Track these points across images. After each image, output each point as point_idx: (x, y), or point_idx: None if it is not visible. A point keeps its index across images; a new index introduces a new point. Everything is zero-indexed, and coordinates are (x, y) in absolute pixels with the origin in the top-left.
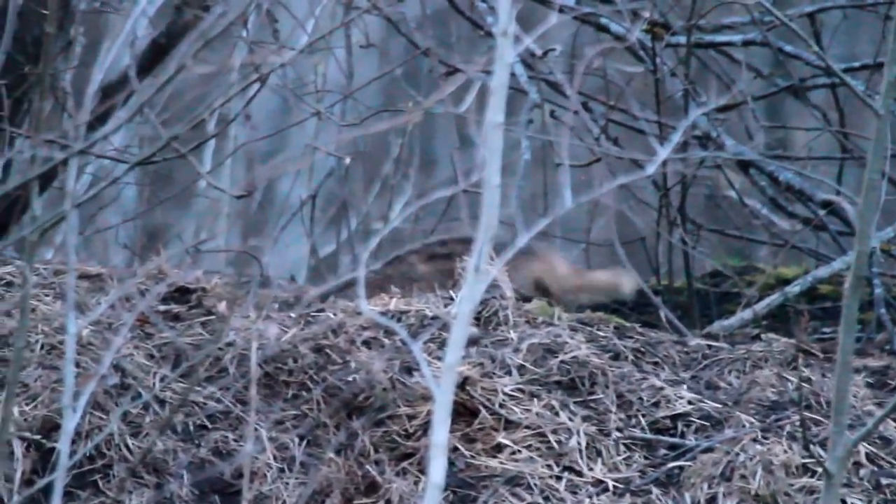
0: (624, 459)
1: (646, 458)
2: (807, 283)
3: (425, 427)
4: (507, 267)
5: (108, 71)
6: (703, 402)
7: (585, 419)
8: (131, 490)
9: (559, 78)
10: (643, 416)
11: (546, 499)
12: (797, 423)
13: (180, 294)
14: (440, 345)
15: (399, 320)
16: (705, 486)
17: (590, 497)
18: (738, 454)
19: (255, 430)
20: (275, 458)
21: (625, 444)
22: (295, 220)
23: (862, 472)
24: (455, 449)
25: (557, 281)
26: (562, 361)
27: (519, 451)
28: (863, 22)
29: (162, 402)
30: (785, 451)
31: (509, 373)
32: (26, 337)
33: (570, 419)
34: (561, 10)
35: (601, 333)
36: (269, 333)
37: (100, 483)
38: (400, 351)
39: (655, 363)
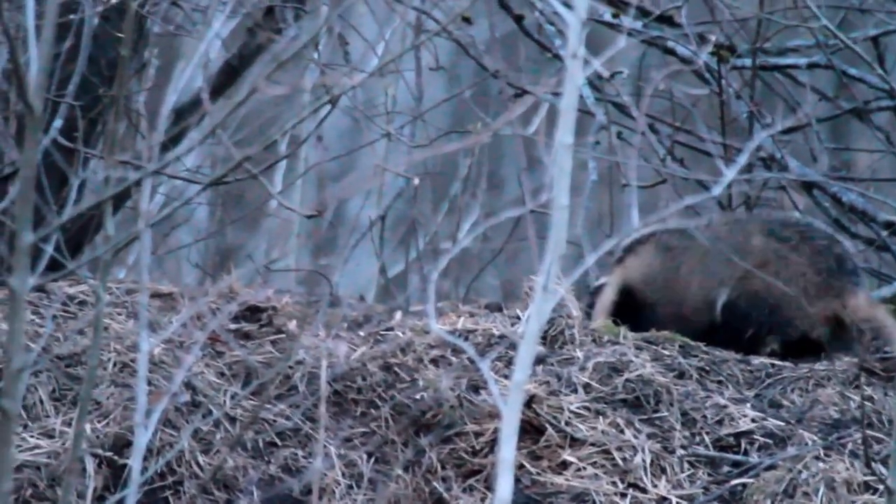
0: (688, 476)
1: (709, 475)
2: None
3: (492, 444)
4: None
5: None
6: (767, 420)
7: (650, 437)
8: None
9: (626, 100)
10: (707, 433)
11: None
12: (859, 441)
13: (251, 313)
14: (507, 363)
15: (467, 339)
16: (768, 503)
17: None
18: (800, 472)
19: (325, 447)
20: (343, 474)
21: (689, 462)
22: (364, 240)
23: None
24: (521, 466)
25: (853, 315)
26: (627, 380)
27: (584, 468)
28: None
29: (232, 420)
30: (847, 469)
31: (575, 391)
32: (99, 355)
33: (635, 437)
34: (629, 34)
35: (666, 352)
36: (339, 352)
37: (171, 500)
38: (467, 369)
39: (719, 381)
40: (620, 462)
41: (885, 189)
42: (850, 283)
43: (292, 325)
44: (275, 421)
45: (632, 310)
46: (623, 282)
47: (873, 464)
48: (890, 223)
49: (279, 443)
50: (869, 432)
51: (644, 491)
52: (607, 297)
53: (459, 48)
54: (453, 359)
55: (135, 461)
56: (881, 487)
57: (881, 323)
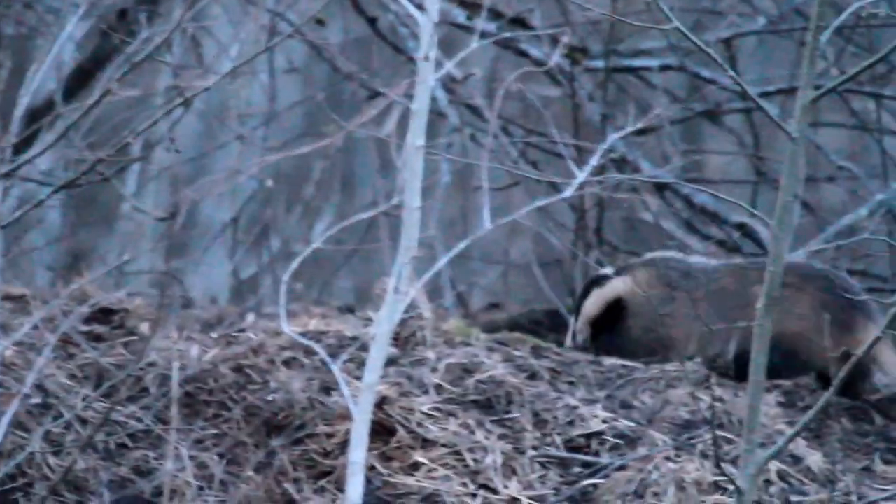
0: (539, 477)
1: (560, 475)
2: None
3: (344, 446)
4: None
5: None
6: (617, 421)
7: (501, 437)
8: None
9: (479, 102)
10: (558, 434)
11: None
12: (709, 442)
13: (103, 315)
14: (359, 365)
15: (319, 341)
16: (619, 503)
17: None
18: (651, 472)
19: (176, 448)
20: (195, 476)
21: (540, 463)
22: (217, 243)
23: (772, 489)
24: (372, 467)
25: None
26: (478, 381)
27: (435, 469)
28: (777, 47)
29: (84, 421)
30: (697, 469)
31: (427, 392)
32: None
33: (486, 438)
34: (482, 36)
35: (518, 353)
36: (191, 354)
37: (21, 502)
38: (319, 371)
39: (571, 382)
40: (471, 463)
41: (737, 190)
42: (860, 317)
43: (144, 327)
44: (126, 422)
45: (611, 324)
46: (615, 297)
47: (723, 464)
48: (741, 225)
49: (130, 444)
50: (719, 433)
51: (495, 492)
52: (595, 307)
53: (313, 50)
54: (305, 360)
55: None
56: (731, 488)
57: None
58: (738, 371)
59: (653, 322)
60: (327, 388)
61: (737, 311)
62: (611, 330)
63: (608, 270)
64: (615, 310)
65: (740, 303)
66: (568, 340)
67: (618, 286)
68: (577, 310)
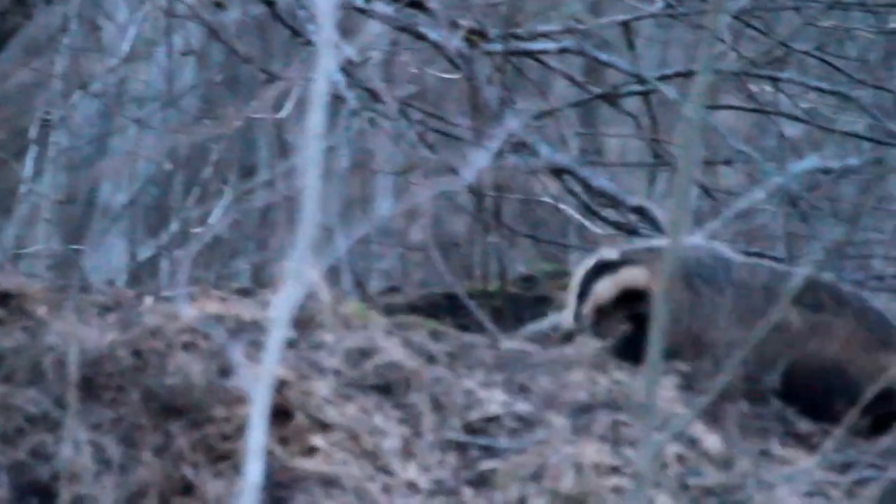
0: (437, 461)
1: (459, 459)
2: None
3: (242, 430)
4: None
5: None
6: (516, 404)
7: (400, 421)
8: None
9: (377, 85)
10: (457, 418)
11: (360, 500)
12: (608, 425)
13: (0, 298)
14: (258, 348)
15: (217, 324)
16: (517, 486)
17: (403, 498)
18: (549, 455)
19: (74, 432)
20: (92, 460)
21: (438, 446)
22: (115, 225)
23: (670, 471)
24: (271, 451)
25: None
26: (377, 364)
27: (334, 453)
28: (675, 30)
29: None
30: (595, 452)
31: (325, 375)
32: None
33: (385, 421)
34: (380, 19)
35: (416, 337)
36: (88, 337)
37: None
38: (218, 354)
39: (469, 366)
40: (370, 447)
41: (635, 173)
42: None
43: (42, 310)
44: (24, 407)
45: (624, 314)
46: (632, 287)
47: (621, 447)
48: (639, 208)
49: (28, 428)
50: (617, 416)
51: (393, 475)
52: (608, 292)
53: (211, 33)
54: (204, 344)
55: None
56: (629, 470)
57: None
58: (784, 391)
59: (679, 319)
60: (226, 372)
61: (773, 338)
62: (624, 321)
63: (612, 255)
64: (629, 300)
65: (775, 329)
66: (568, 322)
67: (635, 275)
68: (582, 292)
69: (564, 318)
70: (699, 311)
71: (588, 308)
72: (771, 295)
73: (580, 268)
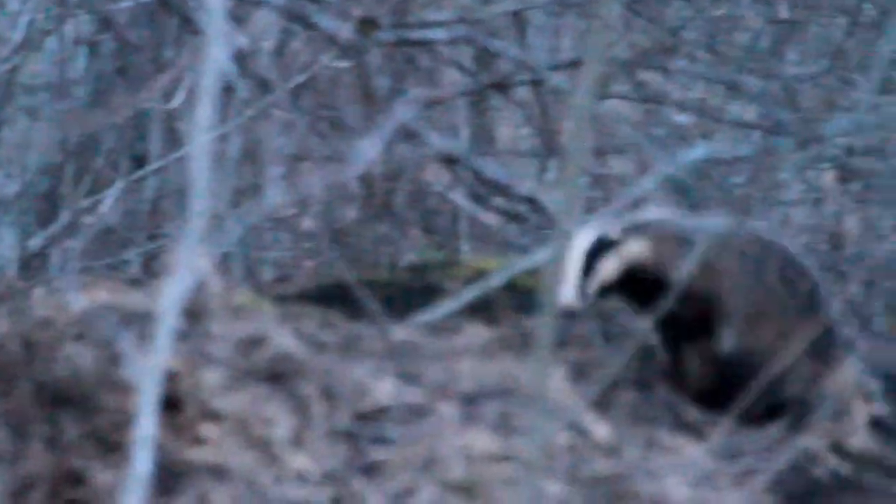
0: (328, 450)
1: (349, 448)
2: (508, 276)
3: (132, 420)
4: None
5: None
6: (406, 394)
7: (290, 411)
8: None
9: (268, 74)
10: (347, 407)
11: (250, 489)
12: (498, 414)
13: None
14: (148, 338)
15: (108, 314)
16: (407, 475)
17: (293, 487)
18: (439, 445)
19: None
20: None
21: (329, 436)
22: (5, 216)
23: (560, 461)
24: (160, 441)
25: (837, 386)
26: (267, 354)
27: (224, 442)
28: (566, 19)
29: None
30: (485, 441)
31: (215, 366)
32: None
33: (275, 411)
34: (270, 8)
35: (307, 326)
36: None
37: None
38: (108, 344)
39: (360, 355)
40: (260, 436)
41: (525, 162)
42: (843, 351)
43: None
44: None
45: (627, 292)
46: (636, 263)
47: (511, 435)
48: (529, 197)
49: None
50: (507, 404)
51: (284, 465)
52: (615, 271)
53: (103, 22)
54: (94, 334)
55: None
56: (519, 460)
57: (851, 407)
58: (726, 365)
59: (690, 296)
60: (116, 362)
61: (746, 291)
62: (626, 296)
63: (613, 228)
64: (633, 275)
65: (751, 282)
66: (572, 298)
67: (640, 250)
68: (586, 269)
69: (565, 295)
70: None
71: (594, 286)
72: (758, 248)
73: (578, 242)
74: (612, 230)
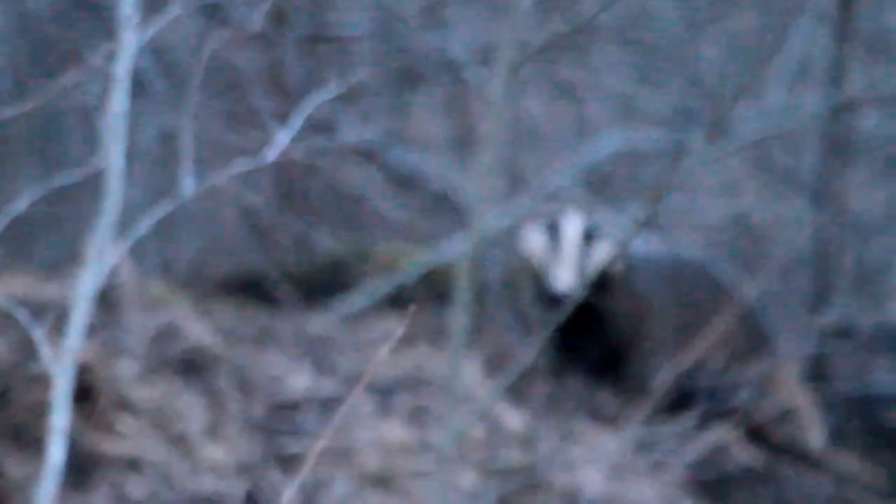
0: (242, 442)
1: (264, 440)
2: (423, 268)
3: (47, 411)
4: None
5: None
6: (321, 385)
7: (205, 403)
8: None
9: (182, 67)
10: (262, 398)
11: (164, 481)
12: (412, 405)
13: None
14: (61, 329)
15: (21, 304)
16: (322, 467)
17: (208, 479)
18: (354, 436)
19: None
20: None
21: (243, 427)
22: None
23: (474, 452)
24: (75, 432)
25: (776, 388)
26: (182, 346)
27: (139, 434)
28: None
29: None
30: (399, 432)
31: (130, 356)
32: None
33: (190, 403)
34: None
35: (222, 318)
36: None
37: None
38: (22, 335)
39: (275, 346)
40: (175, 428)
41: (442, 154)
42: (780, 355)
43: None
44: None
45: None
46: (615, 255)
47: (425, 426)
48: (445, 189)
49: None
50: (421, 395)
51: (198, 457)
52: (604, 260)
53: (18, 14)
54: (7, 325)
55: None
56: (433, 451)
57: (800, 410)
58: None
59: (634, 305)
60: (30, 353)
61: (676, 306)
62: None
63: (601, 220)
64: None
65: (681, 297)
66: (565, 286)
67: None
68: (581, 256)
69: (564, 280)
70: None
71: (588, 273)
72: (681, 267)
73: (567, 231)
74: (599, 221)
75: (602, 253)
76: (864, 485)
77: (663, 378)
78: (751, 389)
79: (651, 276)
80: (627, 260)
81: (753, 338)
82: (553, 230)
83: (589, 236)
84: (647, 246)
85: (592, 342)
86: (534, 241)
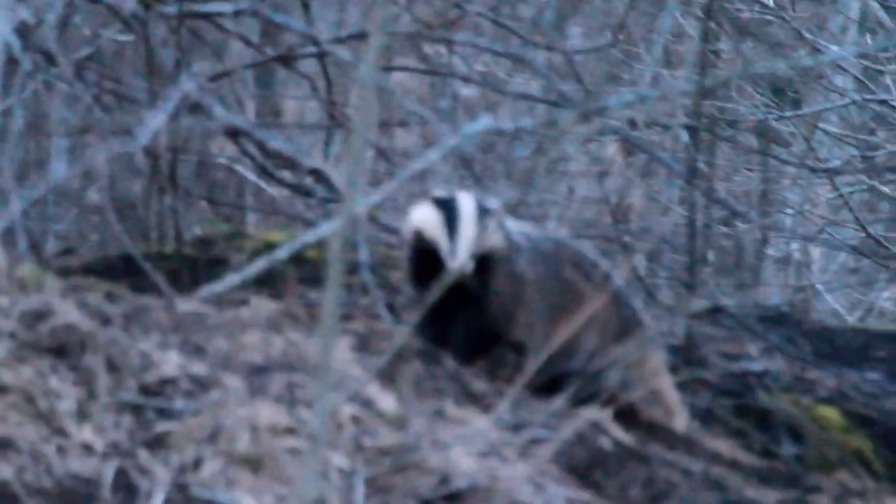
0: (113, 423)
1: (134, 421)
2: (294, 248)
3: None
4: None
5: None
6: (192, 366)
7: (75, 383)
8: None
9: (53, 48)
10: (132, 379)
11: (35, 462)
12: (283, 386)
13: None
14: None
15: None
16: (192, 447)
17: (78, 460)
18: (224, 416)
19: None
20: None
21: (114, 408)
22: None
23: (345, 433)
24: None
25: (644, 376)
26: (52, 326)
27: (8, 415)
28: None
29: None
30: (271, 413)
31: (0, 339)
32: None
33: (60, 383)
34: None
35: (91, 299)
36: None
37: None
38: None
39: (145, 328)
40: (45, 409)
41: (311, 135)
42: (650, 342)
43: None
44: None
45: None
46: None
47: (296, 408)
48: (315, 170)
49: None
50: (293, 377)
51: (69, 437)
52: (494, 239)
53: None
54: None
55: None
56: (304, 431)
57: (664, 393)
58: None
59: (509, 281)
60: None
61: (549, 287)
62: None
63: (491, 201)
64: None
65: (551, 278)
66: (462, 262)
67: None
68: (476, 233)
69: (460, 258)
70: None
71: (481, 249)
72: (553, 247)
73: (460, 208)
74: (489, 202)
75: (492, 231)
76: (734, 464)
77: (535, 359)
78: (621, 370)
79: (526, 256)
80: (508, 239)
81: (625, 319)
82: (446, 207)
83: (482, 214)
84: (521, 227)
85: (466, 322)
86: (426, 218)
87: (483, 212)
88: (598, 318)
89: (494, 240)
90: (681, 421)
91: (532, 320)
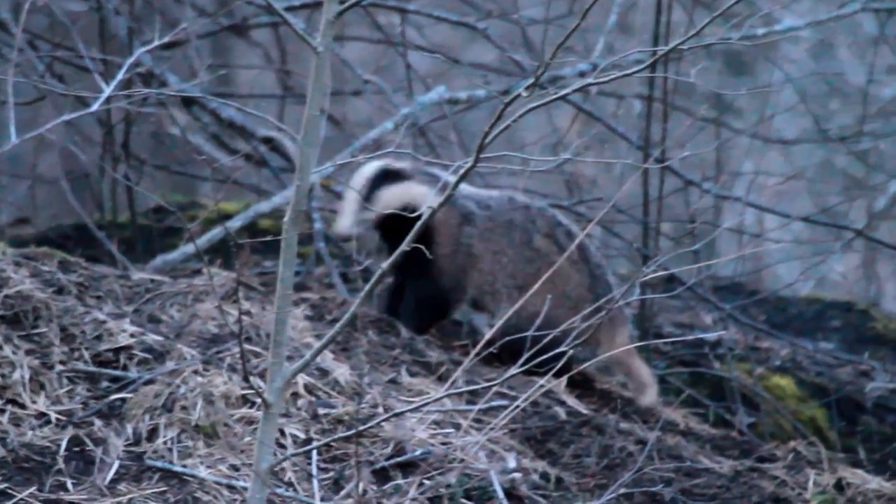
0: (67, 392)
1: (88, 390)
2: (248, 218)
3: None
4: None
5: None
6: (146, 336)
7: (29, 353)
8: None
9: (4, 16)
10: (86, 349)
11: None
12: (237, 355)
13: None
14: None
15: None
16: (147, 417)
17: (33, 429)
18: (179, 386)
19: None
20: None
21: (68, 377)
22: None
23: (300, 402)
24: None
25: (612, 349)
26: (6, 296)
27: None
28: None
29: None
30: (225, 383)
31: None
32: None
33: (14, 353)
34: None
35: (45, 268)
36: None
37: None
38: None
39: (99, 297)
40: None
41: (264, 104)
42: (621, 315)
43: None
44: None
45: (401, 229)
46: (412, 203)
47: (251, 377)
48: (269, 139)
49: None
50: (247, 346)
51: (23, 406)
52: (395, 201)
53: None
54: None
55: None
56: (259, 401)
57: (634, 368)
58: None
59: (457, 250)
60: None
61: (522, 258)
62: (399, 235)
63: (399, 165)
64: (404, 214)
65: (524, 248)
66: (346, 226)
67: (420, 193)
68: (367, 196)
69: (342, 222)
70: (467, 231)
71: (373, 213)
72: (525, 216)
73: (361, 172)
74: (397, 166)
75: (391, 195)
76: (688, 433)
77: (492, 326)
78: (580, 339)
79: (480, 226)
80: (458, 208)
81: (589, 287)
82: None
83: (377, 181)
84: (485, 195)
85: (415, 292)
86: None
87: (379, 179)
88: (569, 285)
89: (398, 204)
90: (651, 395)
91: (496, 288)
